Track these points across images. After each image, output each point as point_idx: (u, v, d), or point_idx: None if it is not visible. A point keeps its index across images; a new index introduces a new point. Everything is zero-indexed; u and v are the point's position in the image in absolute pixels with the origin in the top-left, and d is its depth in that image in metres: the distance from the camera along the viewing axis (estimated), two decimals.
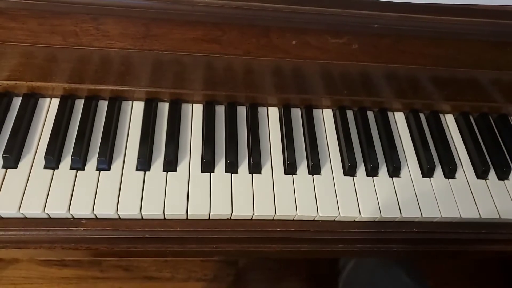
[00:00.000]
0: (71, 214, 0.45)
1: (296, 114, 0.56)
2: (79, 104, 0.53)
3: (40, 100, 0.52)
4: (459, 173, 0.53)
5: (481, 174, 0.53)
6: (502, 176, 0.53)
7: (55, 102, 0.52)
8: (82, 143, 0.49)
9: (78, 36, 0.46)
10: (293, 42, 0.48)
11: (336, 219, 0.49)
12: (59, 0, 0.42)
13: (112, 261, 0.98)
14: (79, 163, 0.48)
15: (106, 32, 0.46)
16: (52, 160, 0.47)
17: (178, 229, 0.47)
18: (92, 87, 0.52)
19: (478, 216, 0.50)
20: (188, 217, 0.47)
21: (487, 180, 0.53)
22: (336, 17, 0.45)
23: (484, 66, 0.52)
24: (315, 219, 0.48)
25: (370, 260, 0.64)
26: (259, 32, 0.46)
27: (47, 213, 0.44)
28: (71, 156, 0.48)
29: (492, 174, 0.54)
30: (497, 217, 0.50)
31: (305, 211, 0.48)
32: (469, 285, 0.96)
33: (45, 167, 0.47)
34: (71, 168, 0.48)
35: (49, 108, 0.52)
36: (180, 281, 0.97)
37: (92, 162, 0.48)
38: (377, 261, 0.64)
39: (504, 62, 0.51)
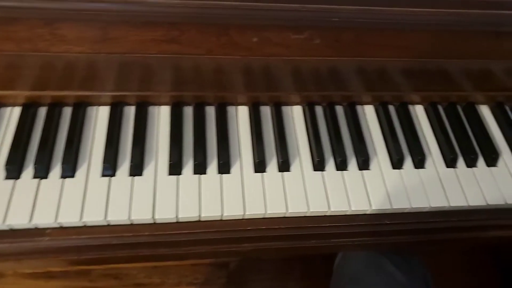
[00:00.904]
0: (34, 225, 0.44)
1: (266, 112, 0.56)
2: (43, 111, 0.52)
3: (1, 110, 0.51)
4: (428, 163, 0.53)
5: (450, 162, 0.53)
6: (470, 163, 0.54)
7: (17, 110, 0.51)
8: (45, 151, 0.48)
9: (33, 42, 0.45)
10: (254, 39, 0.47)
11: (306, 215, 0.49)
12: (9, 5, 0.41)
13: (101, 270, 0.97)
14: (42, 172, 0.47)
15: (62, 36, 0.45)
16: (14, 170, 0.46)
17: (147, 233, 0.46)
18: (55, 93, 0.51)
19: (447, 205, 0.50)
20: (156, 221, 0.46)
21: (456, 169, 0.53)
22: (295, 12, 0.44)
23: (448, 55, 0.53)
24: (286, 215, 0.48)
25: (356, 253, 0.65)
26: (219, 31, 0.46)
27: (8, 225, 0.43)
28: (34, 165, 0.47)
29: (460, 162, 0.54)
30: (466, 204, 0.50)
31: (275, 208, 0.47)
32: (460, 271, 0.97)
33: (7, 178, 0.46)
34: (34, 177, 0.47)
35: (10, 117, 0.51)
36: (171, 286, 0.97)
37: (56, 169, 0.47)
38: (362, 252, 0.64)
39: (467, 51, 0.52)
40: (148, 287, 0.95)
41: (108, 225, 0.45)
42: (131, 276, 0.95)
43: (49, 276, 0.92)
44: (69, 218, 0.44)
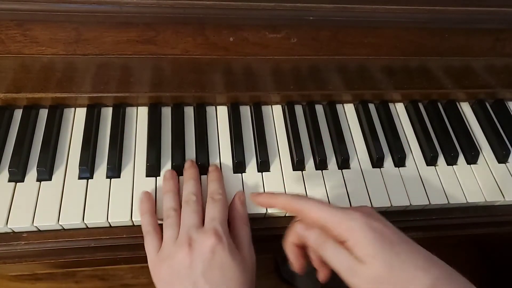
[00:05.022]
0: (11, 229, 0.44)
1: (245, 111, 0.55)
2: (18, 114, 0.51)
3: None
4: (409, 161, 0.53)
5: (430, 160, 0.53)
6: (450, 161, 0.54)
7: None
8: (21, 154, 0.47)
9: (5, 43, 0.44)
10: (231, 39, 0.47)
11: (286, 215, 0.48)
12: None
13: (87, 271, 0.96)
14: (17, 175, 0.46)
15: (35, 38, 0.44)
16: None
17: (125, 236, 0.46)
18: (31, 95, 0.50)
19: (427, 203, 0.50)
20: (134, 224, 0.46)
21: (436, 167, 0.53)
22: (270, 11, 0.44)
23: (426, 53, 0.53)
24: (266, 216, 0.48)
25: None
26: (194, 31, 0.46)
27: None
28: (8, 168, 0.46)
29: (441, 160, 0.54)
30: (446, 202, 0.50)
31: (253, 210, 0.47)
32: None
33: None
34: (10, 180, 0.46)
35: None
36: None
37: (32, 173, 0.47)
38: None
39: (444, 48, 0.52)
40: None
41: (86, 227, 0.45)
42: (118, 277, 0.94)
43: (35, 278, 0.91)
44: (46, 221, 0.44)
